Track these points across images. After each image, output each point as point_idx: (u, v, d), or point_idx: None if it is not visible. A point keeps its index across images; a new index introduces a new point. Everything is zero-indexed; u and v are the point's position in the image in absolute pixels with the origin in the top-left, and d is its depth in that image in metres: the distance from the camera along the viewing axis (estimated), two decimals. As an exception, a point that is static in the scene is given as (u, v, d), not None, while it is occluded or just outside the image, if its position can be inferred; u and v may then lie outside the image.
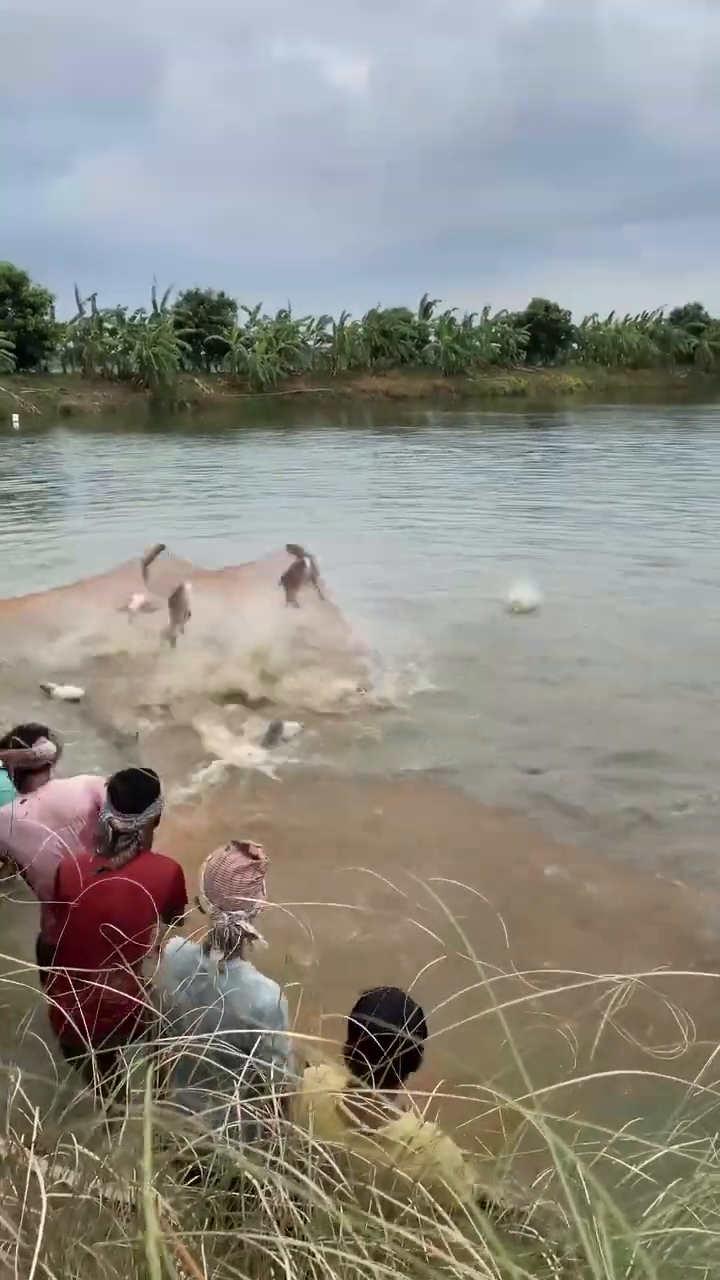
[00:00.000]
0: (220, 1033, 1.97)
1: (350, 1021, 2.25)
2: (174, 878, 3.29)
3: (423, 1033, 2.19)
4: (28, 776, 4.09)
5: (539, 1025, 1.78)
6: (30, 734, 4.13)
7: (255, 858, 2.59)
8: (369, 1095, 2.04)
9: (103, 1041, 1.99)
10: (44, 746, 4.10)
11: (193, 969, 2.57)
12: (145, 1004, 2.33)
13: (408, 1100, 2.14)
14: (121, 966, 2.54)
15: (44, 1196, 1.36)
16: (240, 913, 2.52)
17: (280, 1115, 1.84)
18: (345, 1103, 2.12)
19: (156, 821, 3.41)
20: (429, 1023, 2.20)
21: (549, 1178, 1.67)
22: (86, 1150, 1.59)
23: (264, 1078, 2.03)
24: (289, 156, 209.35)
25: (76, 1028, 2.04)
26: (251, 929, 2.52)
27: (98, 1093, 1.81)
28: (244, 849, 2.60)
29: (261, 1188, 1.45)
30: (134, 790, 3.31)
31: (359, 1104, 2.06)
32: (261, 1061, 1.99)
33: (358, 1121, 2.03)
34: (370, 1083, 2.06)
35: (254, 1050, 1.98)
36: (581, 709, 8.43)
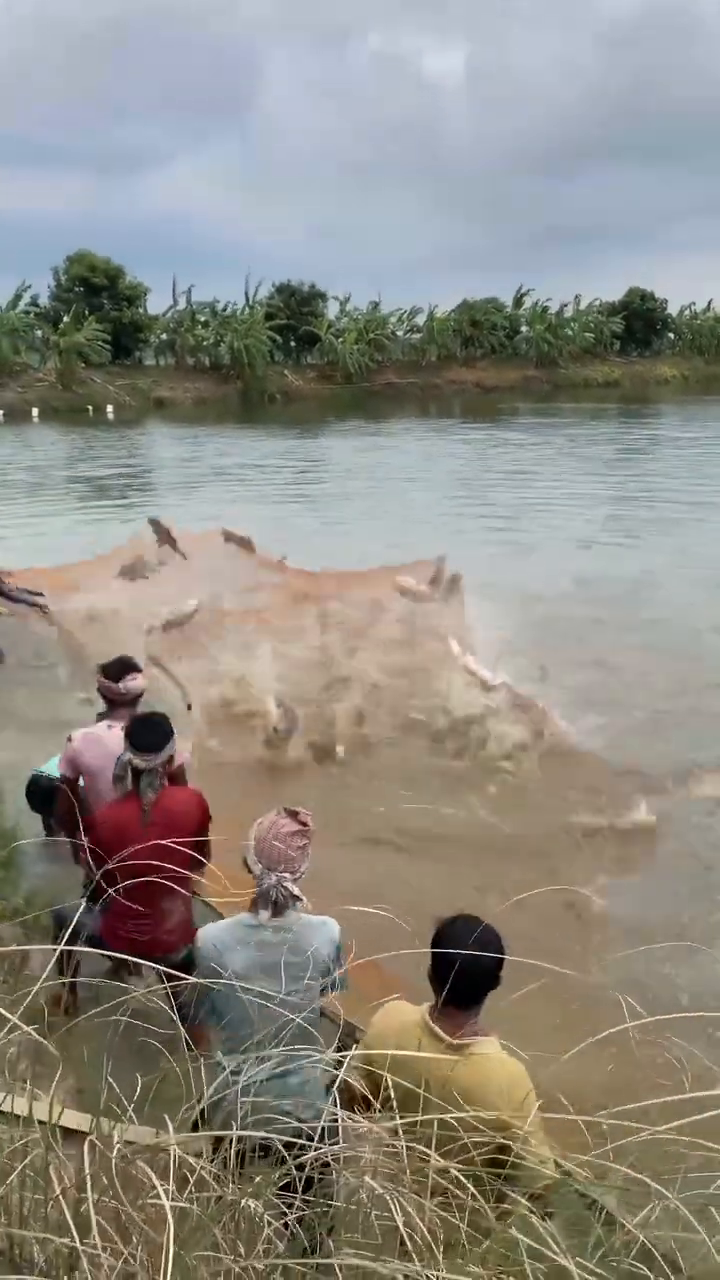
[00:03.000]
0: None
1: (435, 946, 2.35)
2: (201, 803, 3.69)
3: (501, 955, 2.32)
4: (116, 708, 4.32)
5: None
6: (123, 668, 4.36)
7: (304, 824, 2.66)
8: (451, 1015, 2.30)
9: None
10: (134, 683, 4.32)
11: (236, 935, 2.63)
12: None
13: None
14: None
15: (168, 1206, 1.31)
16: (287, 874, 2.58)
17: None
18: (430, 1023, 2.32)
19: (171, 761, 3.67)
20: None
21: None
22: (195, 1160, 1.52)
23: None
24: (384, 152, 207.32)
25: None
26: (297, 890, 2.60)
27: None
28: (293, 815, 2.67)
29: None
30: (153, 732, 3.61)
31: (444, 1025, 2.30)
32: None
33: (445, 1037, 2.28)
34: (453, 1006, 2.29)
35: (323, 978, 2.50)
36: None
